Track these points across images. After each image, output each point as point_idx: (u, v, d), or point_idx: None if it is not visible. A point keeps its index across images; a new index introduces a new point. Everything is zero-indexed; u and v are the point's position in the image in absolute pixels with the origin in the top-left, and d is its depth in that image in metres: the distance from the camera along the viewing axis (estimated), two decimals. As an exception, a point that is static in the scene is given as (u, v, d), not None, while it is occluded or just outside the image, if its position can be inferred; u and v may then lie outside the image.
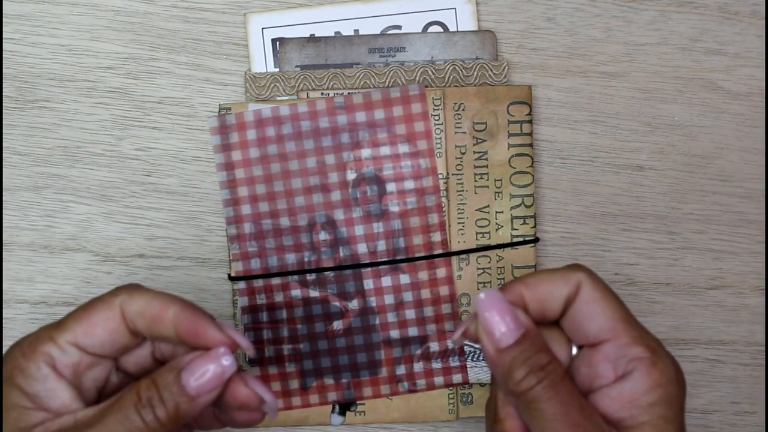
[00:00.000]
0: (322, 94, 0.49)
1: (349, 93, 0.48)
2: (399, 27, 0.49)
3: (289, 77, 0.49)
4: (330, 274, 0.48)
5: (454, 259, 0.48)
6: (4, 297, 0.49)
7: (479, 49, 0.49)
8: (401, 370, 0.48)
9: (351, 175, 0.48)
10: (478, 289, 0.49)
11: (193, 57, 0.49)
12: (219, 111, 0.48)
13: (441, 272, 0.48)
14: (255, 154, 0.47)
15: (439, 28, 0.49)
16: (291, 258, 0.48)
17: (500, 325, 0.37)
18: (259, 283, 0.48)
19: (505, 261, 0.49)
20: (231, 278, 0.48)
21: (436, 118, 0.48)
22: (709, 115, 0.50)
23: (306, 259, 0.48)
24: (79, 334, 0.37)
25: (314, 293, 0.48)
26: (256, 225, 0.48)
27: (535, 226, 0.49)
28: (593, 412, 0.36)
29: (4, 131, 0.49)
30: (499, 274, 0.49)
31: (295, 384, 0.48)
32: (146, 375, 0.37)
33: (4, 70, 0.49)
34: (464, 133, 0.48)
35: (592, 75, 0.50)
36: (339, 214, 0.48)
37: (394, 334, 0.48)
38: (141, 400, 0.35)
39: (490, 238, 0.49)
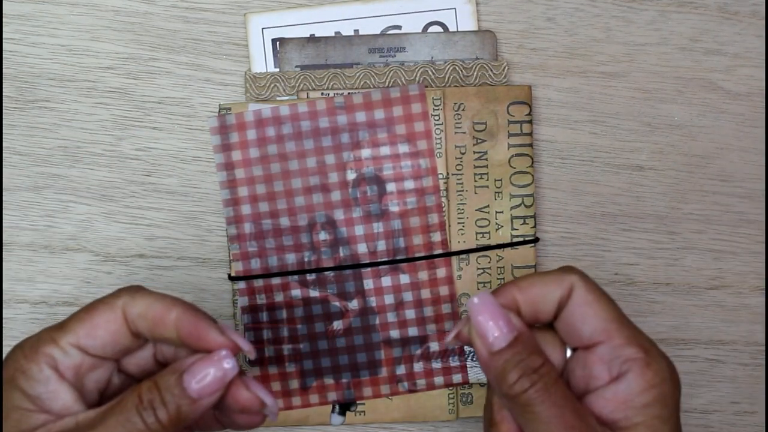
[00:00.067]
0: (322, 94, 0.49)
1: (349, 93, 0.48)
2: (399, 27, 0.49)
3: (289, 77, 0.49)
4: (330, 274, 0.48)
5: (454, 259, 0.48)
6: (4, 297, 0.49)
7: (479, 49, 0.49)
8: (401, 370, 0.48)
9: (351, 175, 0.48)
10: (478, 289, 0.49)
11: (193, 57, 0.49)
12: (219, 111, 0.48)
13: (441, 272, 0.48)
14: (255, 154, 0.47)
15: (439, 28, 0.49)
16: (291, 258, 0.48)
17: (493, 329, 0.37)
18: (259, 283, 0.48)
19: (505, 261, 0.49)
20: (231, 278, 0.48)
21: (436, 118, 0.48)
22: (709, 115, 0.50)
23: (306, 259, 0.48)
24: (81, 336, 0.37)
25: (314, 293, 0.48)
26: (256, 225, 0.48)
27: (535, 226, 0.49)
28: (587, 414, 0.36)
29: (4, 131, 0.49)
30: (499, 274, 0.49)
31: (295, 384, 0.48)
32: (148, 377, 0.37)
33: (4, 70, 0.49)
34: (464, 133, 0.48)
35: (592, 75, 0.50)
36: (339, 214, 0.48)
37: (394, 334, 0.48)
38: (142, 402, 0.35)
39: (490, 238, 0.49)
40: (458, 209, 0.49)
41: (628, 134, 0.50)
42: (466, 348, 0.48)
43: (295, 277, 0.48)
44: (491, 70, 0.49)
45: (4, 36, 0.49)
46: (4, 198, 0.49)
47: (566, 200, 0.50)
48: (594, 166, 0.50)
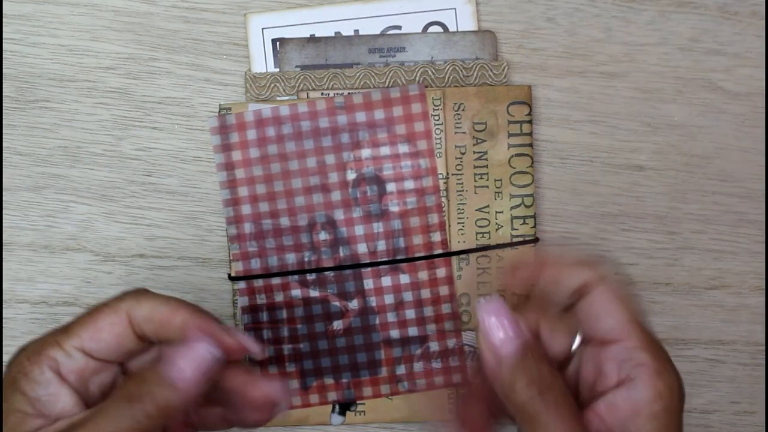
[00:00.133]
0: (322, 94, 0.49)
1: (349, 93, 0.48)
2: (399, 27, 0.49)
3: (289, 77, 0.49)
4: (330, 274, 0.48)
5: (454, 259, 0.48)
6: (5, 297, 0.49)
7: (479, 49, 0.49)
8: (401, 369, 0.48)
9: (351, 175, 0.48)
10: (478, 289, 0.49)
11: (193, 57, 0.49)
12: (219, 111, 0.48)
13: (441, 272, 0.48)
14: (255, 154, 0.47)
15: (439, 29, 0.49)
16: (291, 258, 0.48)
17: (499, 331, 0.37)
18: (259, 283, 0.48)
19: (505, 261, 0.49)
20: (231, 278, 0.48)
21: (436, 118, 0.48)
22: (709, 115, 0.50)
23: (306, 259, 0.48)
24: (85, 339, 0.37)
25: (314, 293, 0.48)
26: (256, 225, 0.48)
27: (535, 226, 0.49)
28: (588, 424, 0.36)
29: (4, 131, 0.49)
30: (499, 275, 0.49)
31: (295, 384, 0.48)
32: None
33: (4, 70, 0.49)
34: (464, 133, 0.49)
35: (591, 75, 0.50)
36: (339, 214, 0.48)
37: (394, 334, 0.48)
38: (130, 396, 0.36)
39: (490, 238, 0.49)
40: (458, 209, 0.49)
41: (628, 134, 0.50)
42: (466, 348, 0.48)
43: (295, 277, 0.48)
44: (491, 70, 0.49)
45: (4, 36, 0.49)
46: (4, 198, 0.49)
47: (566, 200, 0.50)
48: (594, 166, 0.50)
